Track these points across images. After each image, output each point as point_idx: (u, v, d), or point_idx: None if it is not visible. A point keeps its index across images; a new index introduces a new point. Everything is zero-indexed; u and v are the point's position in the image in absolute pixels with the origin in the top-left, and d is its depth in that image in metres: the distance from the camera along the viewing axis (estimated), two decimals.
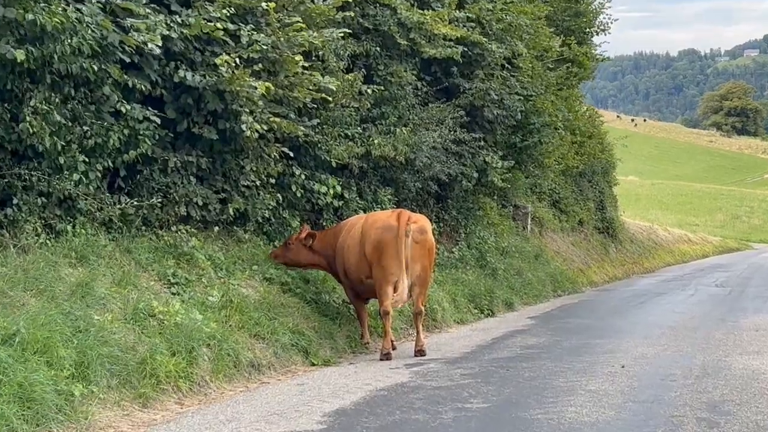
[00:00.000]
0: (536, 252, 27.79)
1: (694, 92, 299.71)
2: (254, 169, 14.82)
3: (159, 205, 13.54)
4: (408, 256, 13.58)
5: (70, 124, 11.86)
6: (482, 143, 21.44)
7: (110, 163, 12.69)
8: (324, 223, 17.24)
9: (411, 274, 13.69)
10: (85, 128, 12.06)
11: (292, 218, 16.51)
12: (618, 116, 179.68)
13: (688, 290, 28.69)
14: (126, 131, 12.65)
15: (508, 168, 22.57)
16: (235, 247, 15.15)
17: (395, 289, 13.64)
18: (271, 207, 15.61)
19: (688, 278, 34.80)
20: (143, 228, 13.48)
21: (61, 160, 11.75)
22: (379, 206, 18.44)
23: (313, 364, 13.33)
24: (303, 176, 16.11)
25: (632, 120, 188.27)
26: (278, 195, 15.61)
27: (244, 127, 13.50)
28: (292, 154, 15.39)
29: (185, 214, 14.09)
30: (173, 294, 12.74)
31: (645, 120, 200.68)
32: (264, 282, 14.76)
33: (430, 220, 21.50)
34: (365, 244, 13.93)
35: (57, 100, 11.61)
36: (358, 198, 17.98)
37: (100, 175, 12.50)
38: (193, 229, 14.24)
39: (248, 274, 14.65)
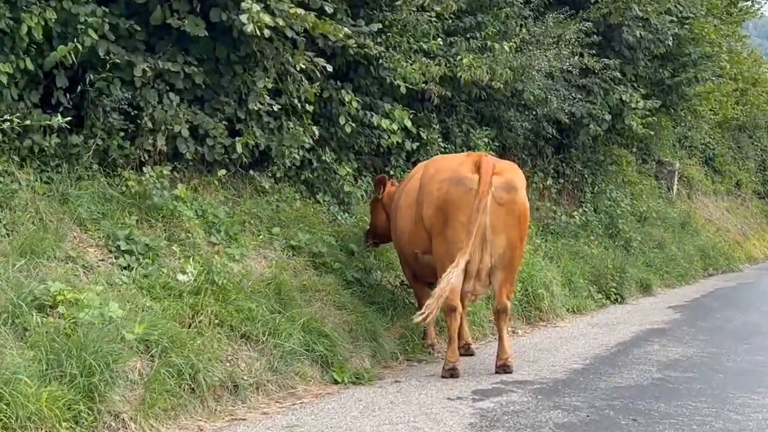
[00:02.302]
0: (683, 219, 22.53)
1: None
2: (271, 87, 10.21)
3: (120, 134, 9.13)
4: (487, 225, 8.82)
5: None
6: (618, 75, 16.32)
7: (28, 65, 8.28)
8: (393, 174, 12.57)
9: (491, 252, 8.97)
10: None
11: (341, 163, 11.87)
12: None
13: None
14: (54, 16, 8.21)
15: (652, 110, 17.41)
16: (249, 201, 10.63)
17: (466, 273, 8.92)
18: (306, 145, 10.98)
19: None
20: (98, 168, 9.07)
21: None
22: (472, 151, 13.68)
23: (336, 382, 8.76)
24: (356, 104, 11.40)
25: None
26: (315, 129, 10.94)
27: (244, 18, 8.90)
28: (330, 68, 10.64)
29: (170, 150, 9.65)
30: (122, 269, 8.35)
31: None
32: (285, 252, 10.24)
33: (545, 174, 16.74)
34: (423, 203, 9.26)
35: None
36: (441, 140, 13.21)
37: (5, 81, 8.09)
38: (178, 172, 9.80)
39: (262, 239, 10.14)
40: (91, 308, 7.03)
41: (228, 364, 8.01)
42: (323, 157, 11.34)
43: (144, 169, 9.33)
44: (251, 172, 10.77)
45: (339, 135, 11.81)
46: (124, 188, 9.11)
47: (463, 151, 13.58)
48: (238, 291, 8.74)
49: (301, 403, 8.03)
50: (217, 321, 8.22)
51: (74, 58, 8.48)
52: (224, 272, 8.75)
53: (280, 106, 10.55)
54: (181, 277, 8.45)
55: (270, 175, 10.94)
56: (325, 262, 10.42)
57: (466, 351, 10.33)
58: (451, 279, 8.69)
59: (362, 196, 12.08)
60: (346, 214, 11.89)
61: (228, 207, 10.30)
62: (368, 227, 11.21)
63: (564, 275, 14.51)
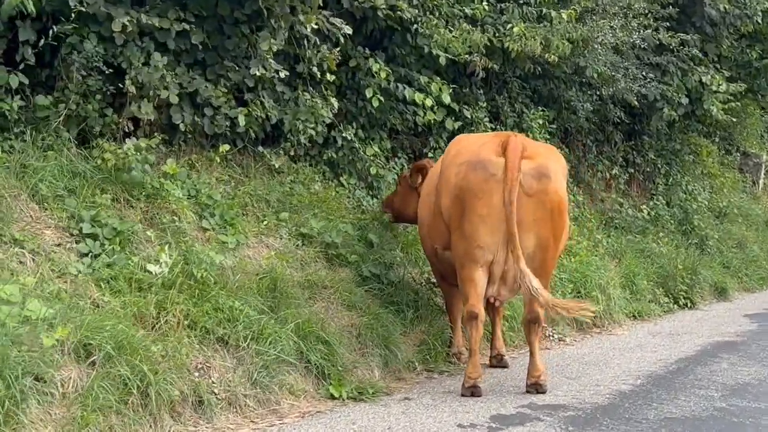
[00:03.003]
0: None
1: None
2: (281, 51, 8.88)
3: (97, 98, 7.89)
4: (514, 219, 7.38)
5: None
6: (698, 54, 14.62)
7: None
8: (433, 156, 11.15)
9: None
10: None
11: (368, 142, 10.50)
12: None
13: None
14: None
15: (736, 95, 15.60)
16: (256, 182, 9.32)
17: (489, 276, 7.51)
18: (326, 120, 9.62)
19: None
20: (72, 137, 7.86)
21: None
22: (526, 135, 12.20)
23: (333, 397, 7.42)
24: (386, 75, 9.99)
25: None
26: (333, 101, 9.58)
27: None
28: (349, 30, 9.26)
29: (163, 120, 8.43)
30: (81, 256, 7.11)
31: None
32: (293, 241, 8.92)
33: (612, 162, 15.12)
34: (441, 191, 7.85)
35: None
36: (487, 119, 11.71)
37: None
38: (172, 146, 8.58)
39: (266, 226, 8.83)
40: (12, 305, 5.76)
41: (196, 374, 6.72)
42: (344, 134, 9.93)
43: (127, 140, 8.07)
44: (260, 148, 9.43)
45: (369, 110, 10.43)
46: (100, 161, 7.85)
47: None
48: (222, 286, 7.45)
49: (281, 423, 6.73)
50: (187, 322, 6.94)
51: (39, 7, 7.24)
52: (207, 263, 7.44)
53: (290, 74, 9.20)
54: (151, 267, 7.18)
55: (282, 152, 9.60)
56: (340, 253, 9.08)
57: (499, 362, 8.95)
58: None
59: (394, 179, 10.68)
60: (375, 200, 10.51)
61: (230, 187, 9.01)
62: (389, 199, 9.89)
63: (625, 276, 12.93)
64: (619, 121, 14.69)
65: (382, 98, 10.00)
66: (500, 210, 7.38)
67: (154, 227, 7.81)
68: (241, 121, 8.73)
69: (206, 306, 7.12)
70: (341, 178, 10.36)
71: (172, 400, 6.34)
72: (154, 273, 7.14)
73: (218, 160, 8.98)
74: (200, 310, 7.04)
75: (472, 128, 11.55)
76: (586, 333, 11.25)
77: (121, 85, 8.00)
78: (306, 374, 7.51)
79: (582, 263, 11.64)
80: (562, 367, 9.12)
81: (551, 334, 10.71)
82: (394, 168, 10.87)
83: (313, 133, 9.41)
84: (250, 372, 7.00)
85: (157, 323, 6.78)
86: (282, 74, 8.74)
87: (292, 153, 9.71)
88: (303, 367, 7.51)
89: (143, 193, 7.98)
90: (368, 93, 9.92)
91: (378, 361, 8.23)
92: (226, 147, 8.94)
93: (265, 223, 8.84)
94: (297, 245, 8.94)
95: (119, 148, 7.83)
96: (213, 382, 6.75)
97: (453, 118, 11.26)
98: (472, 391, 7.68)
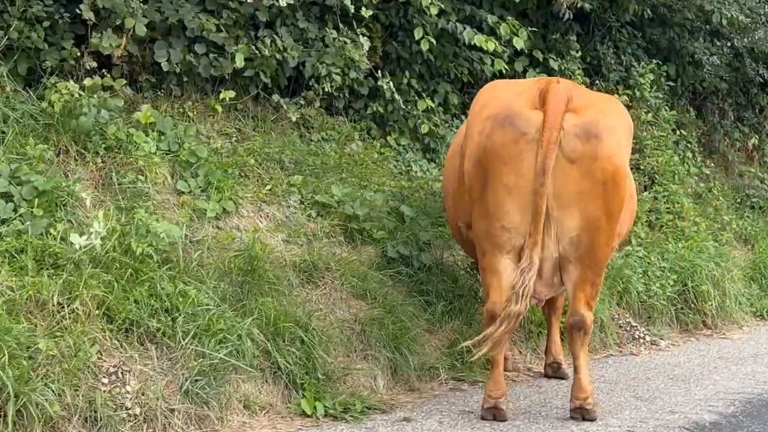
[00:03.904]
0: None
1: None
2: None
3: (44, 24, 6.43)
4: (550, 192, 5.47)
5: None
6: None
7: None
8: None
9: (557, 235, 5.67)
10: None
11: (423, 95, 8.70)
12: None
13: None
14: None
15: None
16: (268, 137, 7.69)
17: (520, 265, 5.61)
18: (360, 65, 7.88)
19: None
20: (10, 75, 6.44)
21: None
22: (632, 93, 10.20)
23: (306, 415, 5.74)
24: (438, 11, 8.12)
25: None
26: (364, 40, 7.82)
27: None
28: None
29: (148, 59, 6.92)
30: None
31: None
32: (306, 210, 7.27)
33: (754, 130, 12.75)
34: (465, 152, 5.97)
35: None
36: (581, 72, 9.70)
37: None
38: (154, 90, 7.07)
39: (270, 190, 7.19)
40: None
41: (105, 381, 5.14)
42: (386, 82, 8.15)
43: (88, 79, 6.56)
44: (275, 97, 7.76)
45: (426, 56, 8.63)
46: (46, 104, 6.37)
47: (616, 91, 10.06)
48: (174, 266, 5.85)
49: None
50: (100, 312, 5.34)
51: None
52: (155, 235, 5.83)
53: (318, 6, 7.51)
54: (75, 239, 5.60)
55: (304, 102, 7.92)
56: (363, 228, 7.35)
57: (555, 372, 7.12)
58: (526, 286, 5.51)
59: None
60: (431, 164, 8.71)
61: (231, 143, 7.39)
62: None
63: (755, 266, 10.70)
64: (762, 80, 12.31)
65: (433, 40, 8.14)
66: (533, 180, 5.53)
67: (107, 188, 6.27)
68: (239, 60, 7.09)
69: (138, 291, 5.52)
70: (389, 137, 8.60)
71: (51, 419, 4.77)
72: (78, 246, 5.58)
73: (219, 110, 7.39)
74: (124, 297, 5.44)
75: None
76: (692, 335, 9.17)
77: (78, 11, 6.47)
78: (274, 383, 5.85)
79: (692, 249, 9.52)
80: (638, 381, 7.20)
81: (642, 335, 8.70)
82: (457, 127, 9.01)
83: (338, 79, 7.67)
84: (183, 379, 5.38)
85: (57, 313, 5.22)
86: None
87: (317, 104, 7.99)
88: (270, 375, 5.85)
89: (103, 146, 6.45)
90: (417, 34, 8.08)
91: (384, 366, 6.48)
92: (230, 93, 7.33)
93: (268, 187, 7.18)
94: (309, 216, 7.26)
95: (68, 88, 6.31)
96: (127, 392, 5.16)
97: (537, 69, 9.32)
98: (493, 413, 5.89)
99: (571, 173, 5.53)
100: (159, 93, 7.21)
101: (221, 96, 7.31)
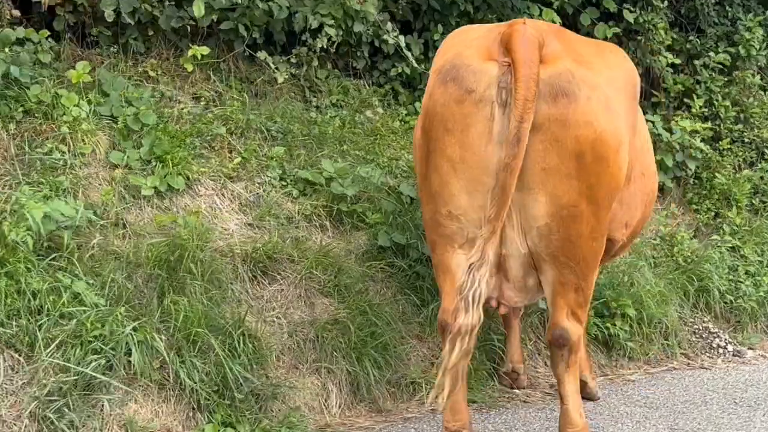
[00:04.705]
0: None
1: None
2: None
3: None
4: (515, 170, 4.09)
5: None
6: None
7: None
8: None
9: (522, 226, 4.27)
10: None
11: None
12: None
13: None
14: None
15: None
16: (256, 102, 6.57)
17: (468, 260, 4.25)
18: (367, 17, 6.65)
19: None
20: None
21: None
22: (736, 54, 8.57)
23: None
24: None
25: None
26: None
27: None
28: None
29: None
30: None
31: None
32: (285, 189, 6.15)
33: None
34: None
35: None
36: (664, 25, 8.12)
37: None
38: (108, 45, 6.08)
39: (239, 164, 6.07)
40: None
41: None
42: (383, 36, 6.86)
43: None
44: (259, 54, 6.60)
45: (464, 8, 7.30)
46: None
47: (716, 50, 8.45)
48: (57, 257, 4.79)
49: None
50: None
51: None
52: (33, 218, 4.77)
53: None
54: None
55: (296, 60, 6.73)
56: (354, 211, 6.11)
57: (514, 382, 5.76)
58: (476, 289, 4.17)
59: None
60: None
61: (199, 108, 6.28)
62: None
63: None
64: None
65: None
66: (485, 153, 4.18)
67: (20, 160, 5.27)
68: (197, 10, 5.94)
69: None
70: (417, 103, 7.30)
71: None
72: None
73: (190, 69, 6.28)
74: None
75: (639, 38, 8.05)
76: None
77: None
78: (176, 404, 4.71)
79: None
80: (689, 406, 5.83)
81: (724, 344, 7.14)
82: None
83: (333, 33, 6.43)
84: (29, 397, 4.31)
85: None
86: None
87: (315, 63, 6.77)
88: (174, 393, 4.72)
89: (20, 109, 5.46)
90: None
91: (342, 381, 5.26)
92: (203, 50, 6.21)
93: (237, 160, 6.03)
94: (289, 196, 6.09)
95: None
96: None
97: (610, 23, 7.82)
98: None
99: (532, 144, 4.14)
100: (112, 47, 6.16)
101: (190, 53, 6.19)
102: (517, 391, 5.82)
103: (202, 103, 6.32)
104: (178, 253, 5.08)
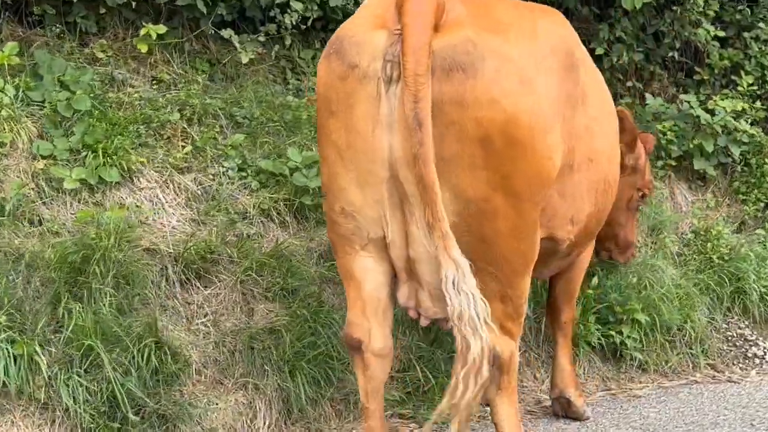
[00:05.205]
0: None
1: None
2: None
3: None
4: (397, 159, 3.42)
5: None
6: None
7: None
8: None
9: (424, 219, 3.50)
10: None
11: None
12: None
13: None
14: None
15: None
16: (220, 86, 6.01)
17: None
18: None
19: None
20: None
21: None
22: None
23: None
24: None
25: None
26: None
27: None
28: None
29: None
30: None
31: None
32: (243, 179, 5.59)
33: None
34: None
35: None
36: None
37: None
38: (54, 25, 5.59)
39: (182, 158, 5.57)
40: None
41: None
42: None
43: None
44: (225, 32, 6.00)
45: None
46: None
47: None
48: None
49: None
50: None
51: None
52: None
53: None
54: None
55: (263, 38, 6.11)
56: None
57: (566, 410, 5.03)
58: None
59: None
60: None
61: (152, 93, 5.72)
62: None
63: None
64: None
65: None
66: (372, 138, 3.50)
67: None
68: None
69: None
70: None
71: None
72: None
73: (144, 50, 5.74)
74: None
75: (676, 8, 7.17)
76: None
77: None
78: (60, 425, 4.17)
79: None
80: (694, 428, 4.95)
81: (762, 353, 6.28)
82: None
83: (300, 9, 5.80)
84: None
85: None
86: None
87: (288, 41, 6.14)
88: (58, 413, 4.17)
89: None
90: None
91: (271, 399, 4.64)
92: (160, 29, 5.67)
93: (186, 150, 5.46)
94: (246, 188, 5.49)
95: None
96: None
97: None
98: None
99: (441, 125, 3.43)
100: (57, 29, 5.66)
101: (143, 32, 5.65)
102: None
103: (155, 87, 5.75)
104: (82, 254, 4.51)
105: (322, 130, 3.66)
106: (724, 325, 6.33)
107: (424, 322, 3.91)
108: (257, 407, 4.59)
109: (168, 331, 4.59)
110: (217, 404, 4.52)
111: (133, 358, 4.29)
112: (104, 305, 4.41)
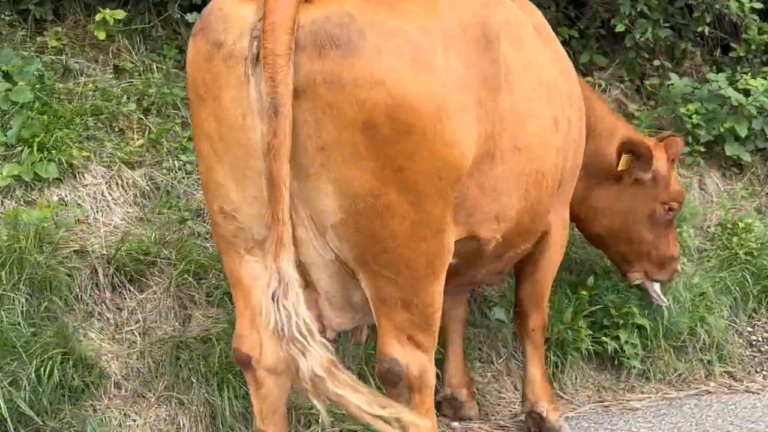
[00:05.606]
0: None
1: None
2: None
3: None
4: (271, 151, 2.94)
5: None
6: None
7: None
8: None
9: (317, 225, 3.15)
10: None
11: None
12: None
13: None
14: None
15: None
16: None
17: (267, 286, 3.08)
18: None
19: None
20: None
21: None
22: None
23: None
24: None
25: None
26: None
27: None
28: None
29: None
30: None
31: None
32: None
33: None
34: None
35: None
36: None
37: None
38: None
39: (133, 152, 5.16)
40: None
41: None
42: None
43: None
44: (189, 16, 5.60)
45: None
46: None
47: None
48: None
49: None
50: None
51: None
52: None
53: None
54: None
55: None
56: None
57: (457, 411, 4.60)
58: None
59: None
60: None
61: (106, 83, 5.36)
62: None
63: None
64: None
65: None
66: (243, 126, 3.05)
67: None
68: None
69: None
70: None
71: None
72: None
73: (102, 37, 5.39)
74: None
75: None
76: None
77: None
78: None
79: None
80: None
81: None
82: None
83: None
84: None
85: None
86: None
87: None
88: None
89: None
90: None
91: (197, 415, 4.23)
92: (118, 14, 5.32)
93: (139, 143, 5.09)
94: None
95: None
96: None
97: None
98: None
99: (299, 115, 2.96)
100: (7, 16, 5.35)
101: (98, 17, 5.29)
102: (455, 424, 4.60)
103: (115, 76, 5.39)
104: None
105: (194, 118, 3.24)
106: (749, 329, 5.68)
107: (330, 335, 3.44)
108: (181, 423, 4.19)
109: (88, 339, 4.21)
110: (135, 420, 4.12)
111: (36, 370, 3.92)
112: (11, 313, 4.05)
